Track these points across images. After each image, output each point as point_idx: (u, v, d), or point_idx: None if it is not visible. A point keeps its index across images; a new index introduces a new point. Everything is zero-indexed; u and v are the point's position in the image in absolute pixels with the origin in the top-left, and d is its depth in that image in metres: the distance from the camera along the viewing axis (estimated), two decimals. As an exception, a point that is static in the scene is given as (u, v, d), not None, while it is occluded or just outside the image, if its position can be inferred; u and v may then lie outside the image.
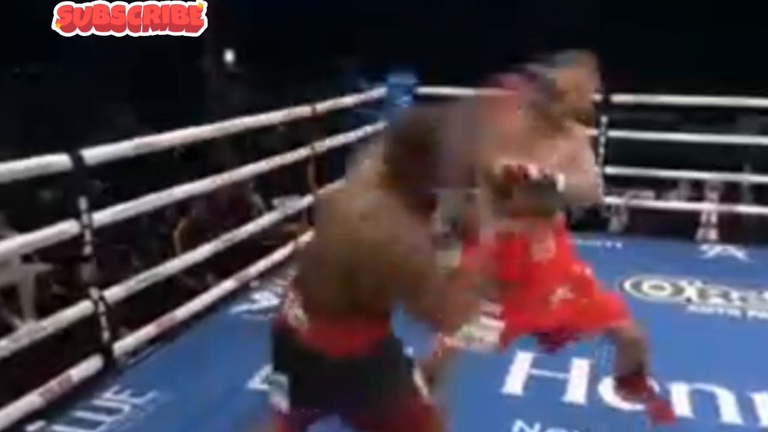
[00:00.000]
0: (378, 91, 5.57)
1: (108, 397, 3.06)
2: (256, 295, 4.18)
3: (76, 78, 10.50)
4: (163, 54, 9.55)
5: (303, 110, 4.48)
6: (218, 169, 4.29)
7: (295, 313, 1.85)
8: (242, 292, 4.19)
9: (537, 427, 2.86)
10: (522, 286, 2.51)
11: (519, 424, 2.86)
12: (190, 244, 5.44)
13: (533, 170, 2.40)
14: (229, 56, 11.20)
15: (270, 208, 6.80)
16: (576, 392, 3.12)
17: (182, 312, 3.52)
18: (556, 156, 2.48)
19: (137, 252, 5.92)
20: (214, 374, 3.24)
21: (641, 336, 2.64)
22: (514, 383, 3.17)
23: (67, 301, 4.60)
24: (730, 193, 5.73)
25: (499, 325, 2.51)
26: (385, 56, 5.63)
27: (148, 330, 3.26)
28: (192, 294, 4.33)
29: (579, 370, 3.27)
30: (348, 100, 5.26)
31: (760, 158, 5.78)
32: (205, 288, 4.77)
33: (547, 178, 2.40)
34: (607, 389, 3.12)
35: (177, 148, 7.18)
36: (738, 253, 4.96)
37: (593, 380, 3.18)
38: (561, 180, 2.41)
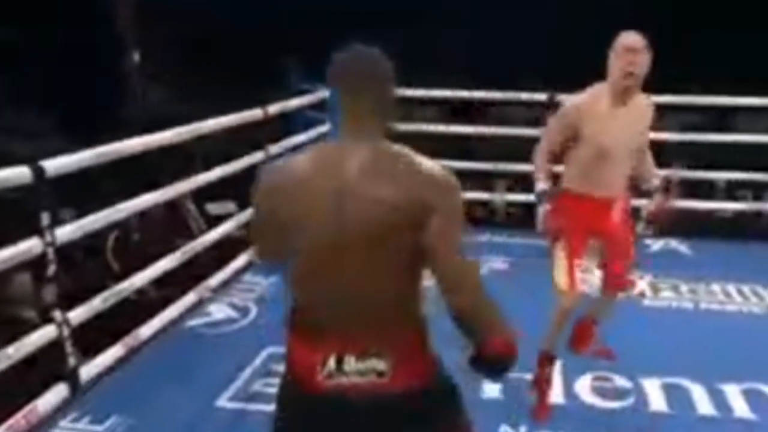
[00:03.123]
0: (324, 93, 5.46)
1: (66, 426, 2.84)
2: (211, 308, 4.01)
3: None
4: (76, 51, 9.09)
5: (254, 113, 4.33)
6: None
7: (350, 368, 1.52)
8: (196, 305, 4.00)
9: (523, 429, 2.85)
10: (606, 241, 3.01)
11: (504, 428, 2.85)
12: (124, 257, 5.21)
13: None
14: (136, 56, 10.81)
15: (203, 215, 6.59)
16: (554, 393, 3.13)
17: (144, 330, 3.31)
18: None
19: (64, 265, 5.59)
20: (178, 393, 3.07)
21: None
22: (492, 388, 3.15)
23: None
24: (666, 188, 5.92)
25: (600, 273, 3.04)
26: (329, 56, 5.50)
27: (114, 351, 3.05)
28: (138, 308, 4.14)
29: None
30: (293, 103, 5.13)
31: (692, 156, 6.02)
32: (149, 301, 4.59)
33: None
34: (582, 388, 3.17)
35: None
36: (680, 246, 5.14)
37: (567, 380, 3.21)
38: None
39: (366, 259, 1.49)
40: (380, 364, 1.51)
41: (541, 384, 3.05)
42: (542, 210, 3.00)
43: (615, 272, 3.05)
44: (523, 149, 5.49)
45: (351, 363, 1.51)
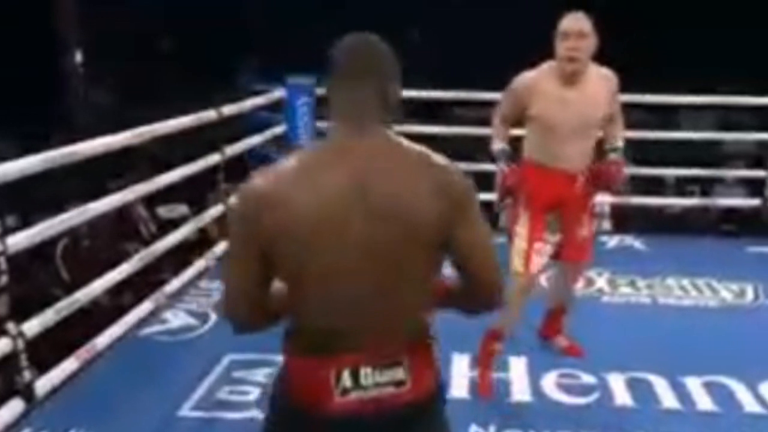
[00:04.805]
0: (277, 93, 5.38)
1: (22, 442, 2.72)
2: (168, 315, 3.89)
3: None
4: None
5: (209, 115, 4.23)
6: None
7: (367, 381, 1.41)
8: (152, 312, 3.88)
9: (492, 429, 2.84)
10: (564, 212, 3.03)
11: (474, 428, 2.83)
12: (75, 264, 5.05)
13: None
14: (78, 56, 10.52)
15: (154, 218, 6.44)
16: (521, 391, 3.14)
17: (100, 340, 3.19)
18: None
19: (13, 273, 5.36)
20: (138, 404, 2.96)
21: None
22: (459, 388, 3.14)
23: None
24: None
25: (550, 251, 3.04)
26: (283, 55, 5.44)
27: (70, 363, 2.93)
28: (91, 317, 4.01)
29: (518, 368, 3.30)
30: (248, 104, 5.04)
31: (641, 153, 6.13)
32: (103, 310, 4.44)
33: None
34: (548, 385, 3.18)
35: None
36: (635, 242, 5.22)
37: (534, 377, 3.22)
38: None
39: (391, 263, 1.36)
40: (399, 373, 1.42)
41: (484, 358, 3.10)
42: (501, 167, 3.03)
43: (573, 241, 3.07)
44: (482, 149, 5.52)
45: (368, 375, 1.40)
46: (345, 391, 1.40)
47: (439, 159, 1.44)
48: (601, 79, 2.99)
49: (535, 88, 2.94)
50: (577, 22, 2.87)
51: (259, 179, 1.40)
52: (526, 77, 2.98)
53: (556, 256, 3.10)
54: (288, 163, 1.41)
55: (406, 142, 1.45)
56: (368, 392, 1.40)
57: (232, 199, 1.32)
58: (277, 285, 1.45)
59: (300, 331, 1.45)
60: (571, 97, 2.90)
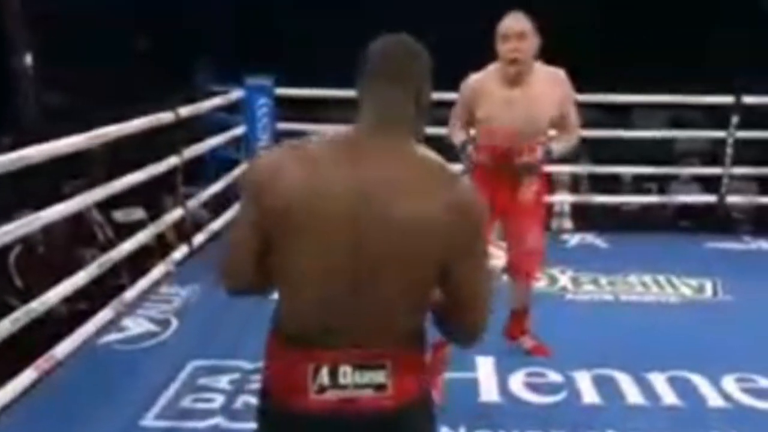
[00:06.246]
0: (235, 94, 5.30)
1: (-21, 458, 2.63)
2: (127, 322, 3.79)
3: None
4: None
5: (166, 116, 4.14)
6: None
7: (345, 381, 1.37)
8: (111, 320, 3.78)
9: (462, 430, 2.83)
10: (508, 220, 3.05)
11: (444, 430, 2.82)
12: (29, 270, 4.89)
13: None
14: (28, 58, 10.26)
15: (111, 222, 6.28)
16: (489, 391, 3.14)
17: (59, 350, 3.10)
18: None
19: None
20: (100, 415, 2.88)
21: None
22: (429, 389, 3.12)
23: None
24: (576, 183, 6.12)
25: (504, 255, 3.04)
26: (241, 56, 5.36)
27: (28, 374, 2.83)
28: (47, 326, 3.89)
29: (485, 368, 3.30)
30: (206, 105, 4.95)
31: (597, 151, 6.22)
32: (59, 318, 4.32)
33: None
34: (516, 384, 3.18)
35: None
36: (596, 240, 5.28)
37: (502, 377, 3.22)
38: None
39: (387, 268, 1.33)
40: (380, 377, 1.38)
41: (436, 364, 3.03)
42: (469, 150, 3.00)
43: (515, 254, 3.10)
44: (444, 150, 5.53)
45: (347, 374, 1.36)
46: (322, 389, 1.37)
47: (460, 177, 1.43)
48: (549, 79, 2.94)
49: (481, 89, 2.92)
50: (517, 23, 2.82)
51: (262, 162, 1.41)
52: (471, 79, 2.97)
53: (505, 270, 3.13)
54: (296, 150, 1.38)
55: (428, 151, 1.43)
56: (346, 392, 1.37)
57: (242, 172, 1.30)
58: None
59: (285, 321, 1.42)
60: (516, 97, 2.87)
